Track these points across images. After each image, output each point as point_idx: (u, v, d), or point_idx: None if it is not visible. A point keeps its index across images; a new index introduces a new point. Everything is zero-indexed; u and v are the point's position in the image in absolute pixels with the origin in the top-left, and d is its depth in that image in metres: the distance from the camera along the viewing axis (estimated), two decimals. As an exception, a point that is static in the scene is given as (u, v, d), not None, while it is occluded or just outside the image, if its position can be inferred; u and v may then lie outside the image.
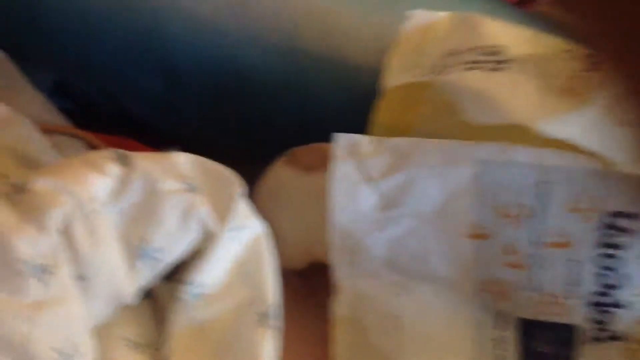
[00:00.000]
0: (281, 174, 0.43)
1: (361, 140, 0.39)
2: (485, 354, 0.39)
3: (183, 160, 0.35)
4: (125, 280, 0.32)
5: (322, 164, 0.41)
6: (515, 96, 0.38)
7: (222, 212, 0.34)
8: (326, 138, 0.42)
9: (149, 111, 0.47)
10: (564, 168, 0.37)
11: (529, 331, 0.39)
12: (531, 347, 0.39)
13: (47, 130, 0.42)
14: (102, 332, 0.32)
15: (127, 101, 0.47)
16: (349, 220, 0.39)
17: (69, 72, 0.47)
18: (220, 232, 0.34)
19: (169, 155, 0.35)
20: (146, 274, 0.33)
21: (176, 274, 0.35)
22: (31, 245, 0.29)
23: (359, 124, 0.41)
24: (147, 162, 0.34)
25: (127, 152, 0.34)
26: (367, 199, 0.39)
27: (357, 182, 0.38)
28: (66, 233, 0.31)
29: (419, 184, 0.38)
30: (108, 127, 0.46)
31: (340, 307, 0.39)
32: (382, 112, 0.42)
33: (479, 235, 0.39)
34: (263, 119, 0.47)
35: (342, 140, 0.39)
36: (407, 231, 0.39)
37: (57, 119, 0.45)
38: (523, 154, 0.37)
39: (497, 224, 0.38)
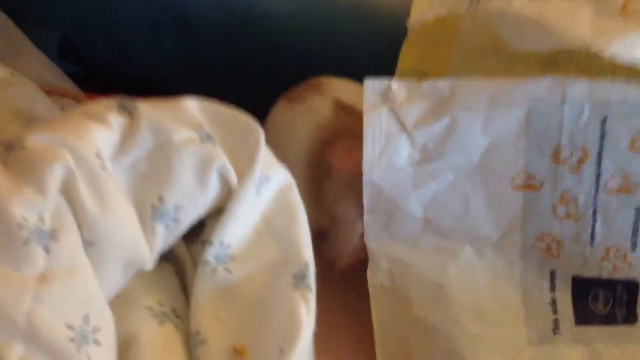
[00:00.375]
0: (276, 110, 0.41)
1: (396, 84, 0.35)
2: (540, 319, 0.36)
3: (194, 106, 0.31)
4: (141, 243, 0.29)
5: (301, 94, 0.40)
6: (570, 21, 0.34)
7: (244, 162, 0.31)
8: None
9: (162, 67, 0.44)
10: (626, 100, 0.33)
11: (585, 291, 0.36)
12: (588, 309, 0.36)
13: (49, 92, 0.39)
14: (122, 302, 0.29)
15: (139, 58, 0.44)
16: (383, 177, 0.35)
17: (77, 30, 0.44)
18: (243, 186, 0.30)
19: (177, 102, 0.31)
20: (165, 236, 0.30)
21: (198, 235, 0.32)
22: (29, 208, 0.26)
23: (388, 74, 0.37)
24: (154, 110, 0.30)
25: (131, 101, 0.30)
26: (403, 152, 0.35)
27: (392, 134, 0.35)
28: (69, 193, 0.27)
29: (462, 132, 0.34)
30: (117, 89, 0.43)
31: (378, 276, 0.36)
32: (409, 55, 0.38)
33: (529, 185, 0.35)
34: (285, 70, 0.43)
35: (374, 86, 0.35)
36: (448, 186, 0.35)
37: (62, 81, 0.42)
38: (580, 88, 0.33)
39: (551, 170, 0.35)
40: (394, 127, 0.35)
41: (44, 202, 0.26)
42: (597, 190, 0.34)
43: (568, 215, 0.35)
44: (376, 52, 0.42)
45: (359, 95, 0.39)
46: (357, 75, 0.41)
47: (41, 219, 0.26)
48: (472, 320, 0.35)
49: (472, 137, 0.34)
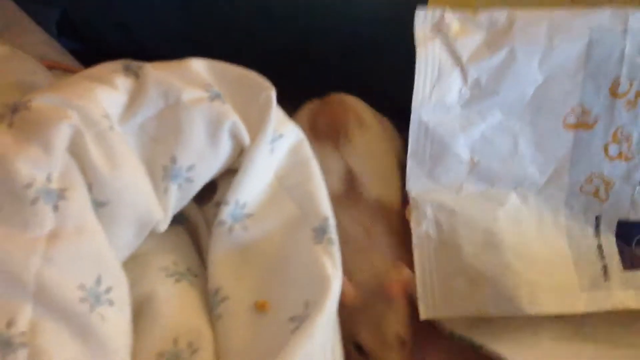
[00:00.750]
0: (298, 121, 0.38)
1: (449, 15, 0.33)
2: (589, 265, 0.34)
3: (201, 66, 0.30)
4: (153, 203, 0.28)
5: (328, 134, 0.37)
6: None
7: (255, 121, 0.30)
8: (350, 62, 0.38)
9: (165, 44, 0.43)
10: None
11: (630, 236, 0.34)
12: (633, 254, 0.34)
13: (51, 67, 0.38)
14: (137, 263, 0.28)
15: (142, 34, 0.43)
16: (433, 115, 0.33)
17: (76, 6, 0.44)
18: (255, 144, 0.29)
19: (183, 62, 0.30)
20: (179, 197, 0.29)
21: (211, 197, 0.31)
22: (37, 167, 0.25)
23: (394, 43, 0.37)
24: (160, 71, 0.29)
25: (137, 62, 0.30)
26: (455, 88, 0.33)
27: (445, 67, 0.33)
28: (77, 152, 0.26)
29: (519, 65, 0.33)
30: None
31: (423, 225, 0.34)
32: None
33: (582, 123, 0.34)
34: (292, 42, 0.42)
35: (426, 17, 0.33)
36: (497, 126, 0.34)
37: (63, 57, 0.42)
38: None
39: (607, 105, 0.33)
40: (448, 60, 0.33)
41: (51, 162, 0.25)
42: None
43: (620, 154, 0.34)
44: (381, 19, 0.40)
45: (378, 152, 0.37)
46: (363, 40, 0.39)
47: (49, 178, 0.25)
48: (527, 267, 0.33)
49: (528, 71, 0.33)
